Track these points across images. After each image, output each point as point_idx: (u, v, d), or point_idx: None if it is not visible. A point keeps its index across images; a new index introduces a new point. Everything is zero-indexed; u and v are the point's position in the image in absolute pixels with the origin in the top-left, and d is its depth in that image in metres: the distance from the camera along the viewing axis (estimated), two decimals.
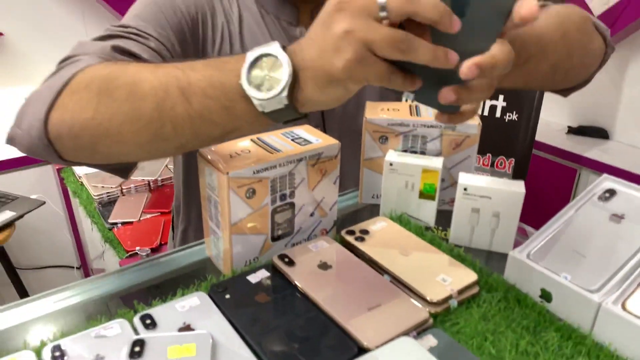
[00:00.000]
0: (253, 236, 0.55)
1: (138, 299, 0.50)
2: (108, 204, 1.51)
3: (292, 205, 0.56)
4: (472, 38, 0.39)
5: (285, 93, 0.41)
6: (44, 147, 0.50)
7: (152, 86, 0.45)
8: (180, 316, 0.47)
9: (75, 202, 1.63)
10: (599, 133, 1.94)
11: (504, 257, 0.54)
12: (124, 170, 0.56)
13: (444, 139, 0.66)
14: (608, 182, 0.59)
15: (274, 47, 0.42)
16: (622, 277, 0.48)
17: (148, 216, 1.47)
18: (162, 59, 0.62)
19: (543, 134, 2.02)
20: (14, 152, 0.61)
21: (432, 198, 0.64)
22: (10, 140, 0.53)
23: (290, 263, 0.54)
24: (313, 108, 0.44)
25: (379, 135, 0.67)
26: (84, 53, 0.55)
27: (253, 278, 0.53)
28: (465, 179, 0.60)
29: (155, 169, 1.65)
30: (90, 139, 0.48)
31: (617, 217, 0.54)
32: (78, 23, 1.92)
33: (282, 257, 0.55)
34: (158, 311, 0.48)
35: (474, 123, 0.65)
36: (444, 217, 0.66)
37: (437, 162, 0.63)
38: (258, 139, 0.57)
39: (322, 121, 0.77)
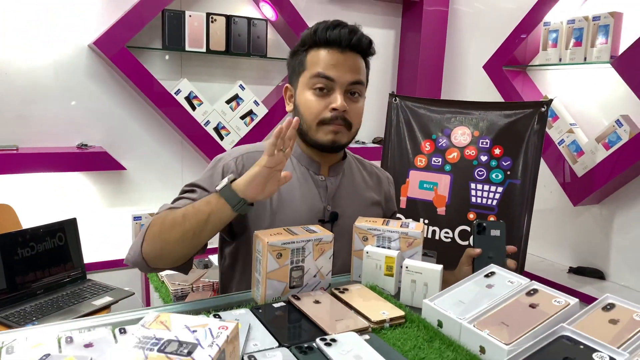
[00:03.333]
0: (278, 283, 0.97)
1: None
2: (181, 297, 1.94)
3: (302, 267, 0.98)
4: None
5: (227, 183, 0.96)
6: (141, 262, 1.05)
7: (181, 215, 1.00)
8: (234, 317, 0.88)
9: (155, 295, 2.08)
10: (596, 274, 2.21)
11: None
12: (183, 269, 1.11)
13: (401, 240, 1.07)
14: (493, 268, 0.97)
15: (226, 178, 0.97)
16: (478, 313, 0.84)
17: None
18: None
19: (548, 272, 2.32)
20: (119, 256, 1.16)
21: (392, 275, 1.04)
22: (126, 261, 1.08)
23: (298, 299, 0.94)
24: (244, 192, 0.95)
25: (362, 235, 1.09)
26: (160, 210, 1.10)
27: (276, 305, 0.93)
28: (407, 262, 1.00)
29: (217, 273, 2.09)
30: (160, 250, 1.02)
31: (490, 286, 0.91)
32: (177, 164, 2.57)
33: (293, 296, 0.95)
34: (224, 314, 0.89)
35: (418, 231, 1.06)
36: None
37: (394, 253, 1.04)
38: (288, 229, 1.01)
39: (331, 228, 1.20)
